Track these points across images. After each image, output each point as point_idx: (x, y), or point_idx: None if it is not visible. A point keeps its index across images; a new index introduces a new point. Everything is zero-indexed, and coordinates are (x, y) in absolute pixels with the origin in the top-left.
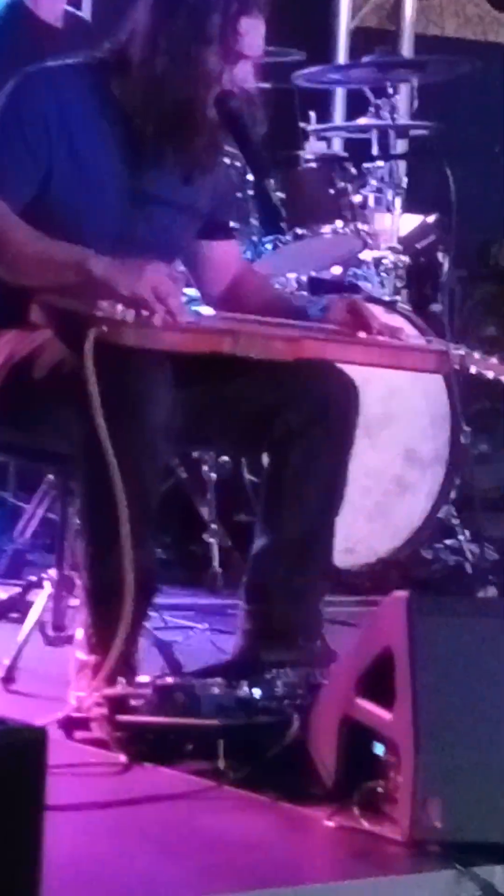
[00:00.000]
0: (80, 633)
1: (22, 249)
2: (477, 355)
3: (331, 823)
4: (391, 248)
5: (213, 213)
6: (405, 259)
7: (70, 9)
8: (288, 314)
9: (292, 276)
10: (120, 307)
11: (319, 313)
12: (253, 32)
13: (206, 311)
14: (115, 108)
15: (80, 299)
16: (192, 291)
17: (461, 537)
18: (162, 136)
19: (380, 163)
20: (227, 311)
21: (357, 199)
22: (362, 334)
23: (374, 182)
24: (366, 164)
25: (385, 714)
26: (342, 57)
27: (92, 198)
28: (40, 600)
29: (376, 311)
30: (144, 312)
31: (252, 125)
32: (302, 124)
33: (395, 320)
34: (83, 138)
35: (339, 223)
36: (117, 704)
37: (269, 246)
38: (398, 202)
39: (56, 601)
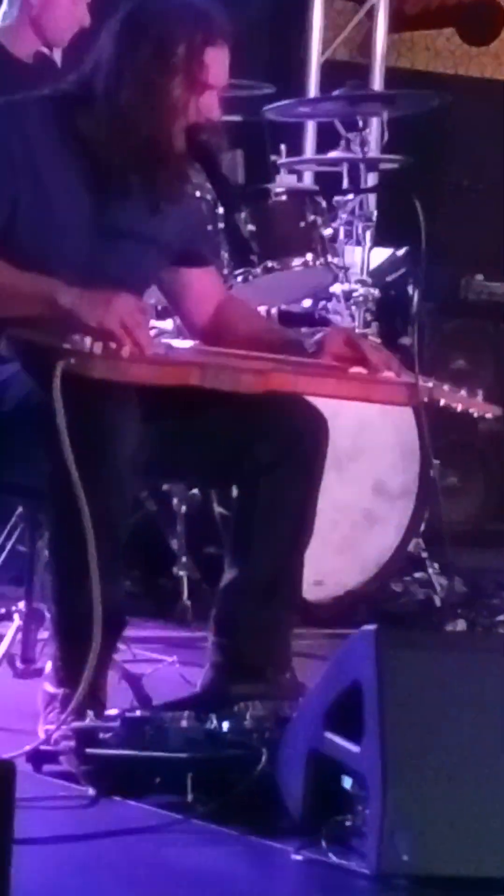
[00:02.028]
0: (48, 666)
1: None
2: (446, 388)
3: (299, 857)
4: (361, 282)
5: (185, 244)
6: (375, 292)
7: (44, 50)
8: (281, 347)
9: (262, 308)
10: (88, 340)
11: (314, 347)
12: (218, 62)
13: (179, 343)
14: (79, 141)
15: (48, 331)
16: (162, 324)
17: (430, 570)
18: (128, 167)
19: (350, 196)
20: (215, 342)
21: (327, 232)
22: (358, 369)
23: (344, 215)
24: (336, 198)
25: (353, 747)
26: (313, 90)
27: (58, 230)
28: (9, 633)
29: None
30: (112, 345)
31: (221, 157)
32: (273, 157)
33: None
34: (48, 171)
35: (309, 256)
36: (86, 737)
37: (239, 279)
38: (368, 235)
39: (25, 634)
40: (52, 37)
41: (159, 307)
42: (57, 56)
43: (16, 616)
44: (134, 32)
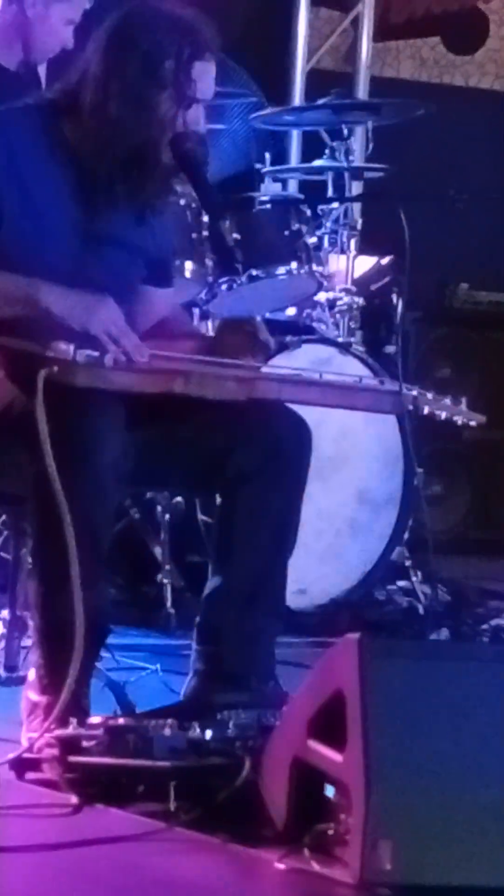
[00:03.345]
0: (32, 674)
1: None
2: (430, 396)
3: (281, 866)
4: (346, 290)
5: (157, 258)
6: (360, 301)
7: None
8: (186, 339)
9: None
10: (71, 348)
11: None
12: (205, 76)
13: (163, 351)
14: (66, 149)
15: (31, 339)
16: None
17: (414, 579)
18: (114, 178)
19: (335, 204)
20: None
21: (312, 240)
22: (338, 377)
23: (328, 224)
24: (321, 206)
25: (336, 756)
26: (298, 99)
27: (44, 238)
28: None
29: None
30: (95, 353)
31: (206, 167)
32: (257, 165)
33: (351, 362)
34: (33, 179)
35: (293, 264)
36: (69, 745)
37: (223, 287)
38: (353, 244)
39: (8, 641)
40: (36, 53)
41: None
42: (42, 71)
43: None
44: (122, 46)
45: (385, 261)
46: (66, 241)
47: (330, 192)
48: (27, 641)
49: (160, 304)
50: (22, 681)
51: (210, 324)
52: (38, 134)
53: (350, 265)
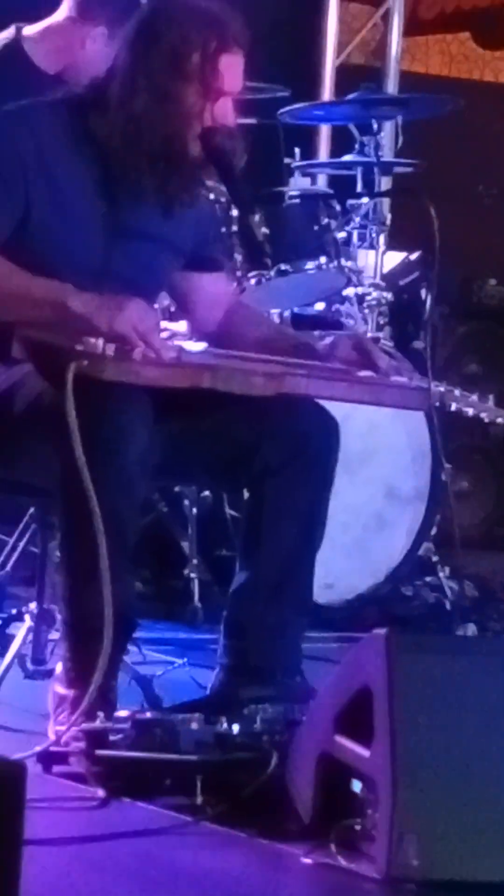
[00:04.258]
0: (59, 667)
1: (0, 284)
2: (457, 392)
3: (308, 860)
4: (374, 285)
5: (198, 248)
6: (388, 296)
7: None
8: (292, 351)
9: (275, 311)
10: (100, 342)
11: (325, 350)
12: (232, 69)
13: (191, 345)
14: (93, 144)
15: (60, 333)
16: (176, 326)
17: (441, 574)
18: (141, 172)
19: (364, 200)
20: (225, 346)
21: (341, 235)
22: (367, 373)
23: (357, 219)
24: (350, 201)
25: (363, 751)
26: (327, 94)
27: (71, 233)
28: (20, 633)
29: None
30: (124, 347)
31: (237, 161)
32: (287, 160)
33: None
34: (61, 174)
35: (322, 259)
36: (96, 739)
37: (252, 281)
38: (382, 239)
39: (36, 634)
40: (73, 77)
41: (172, 309)
42: None
43: (27, 617)
44: (148, 40)
45: (414, 256)
46: (93, 235)
47: (359, 188)
48: (55, 635)
49: (215, 289)
50: (49, 674)
51: None
52: (65, 129)
53: (379, 260)
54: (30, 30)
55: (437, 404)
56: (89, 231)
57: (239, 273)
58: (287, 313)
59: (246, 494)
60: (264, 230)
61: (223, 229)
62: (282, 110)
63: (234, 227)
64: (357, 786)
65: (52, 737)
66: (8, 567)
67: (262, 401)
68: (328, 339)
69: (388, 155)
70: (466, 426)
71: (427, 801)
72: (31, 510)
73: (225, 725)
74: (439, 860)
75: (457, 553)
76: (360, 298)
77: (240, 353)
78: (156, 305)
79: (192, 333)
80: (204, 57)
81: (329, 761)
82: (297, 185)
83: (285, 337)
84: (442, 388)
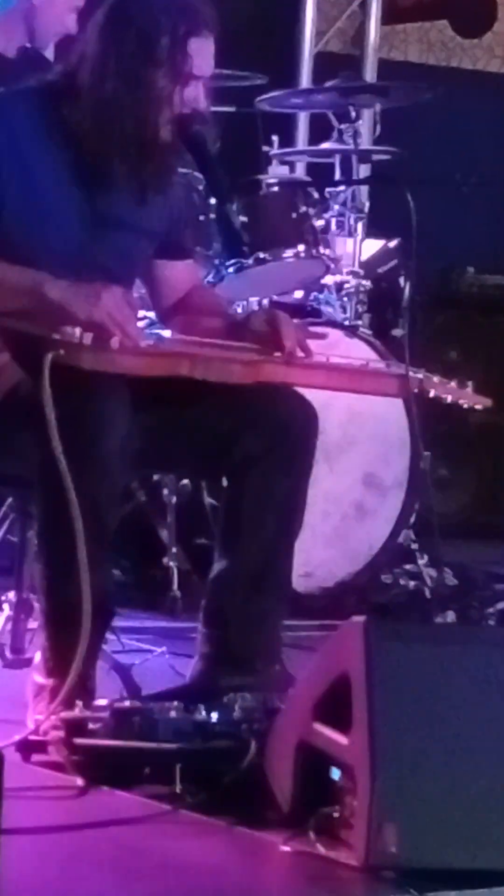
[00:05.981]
0: (38, 656)
1: None
2: (436, 379)
3: (287, 848)
4: (353, 273)
5: (166, 234)
6: (367, 284)
7: (27, 45)
8: (224, 333)
9: (254, 300)
10: (78, 330)
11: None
12: (202, 53)
13: (169, 333)
14: (66, 131)
15: (38, 322)
16: (152, 313)
17: (420, 562)
18: (114, 158)
19: (342, 187)
20: (183, 331)
21: (319, 223)
22: (345, 359)
23: (336, 207)
24: (328, 189)
25: (342, 739)
26: (305, 81)
27: (47, 221)
28: None
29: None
30: (102, 336)
31: (210, 147)
32: (265, 148)
33: (358, 345)
34: (35, 162)
35: (301, 247)
36: (75, 728)
37: (231, 270)
38: (360, 227)
39: (14, 624)
40: (39, 40)
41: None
42: (49, 55)
43: (5, 606)
44: (118, 24)
45: (392, 244)
46: (68, 224)
47: (337, 175)
48: (34, 624)
49: (181, 276)
50: (28, 663)
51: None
52: (37, 117)
53: (357, 248)
54: None
55: (416, 391)
56: (65, 220)
57: (217, 262)
58: (266, 302)
59: (225, 483)
60: (242, 218)
61: (201, 217)
62: (260, 98)
63: (212, 216)
64: (336, 773)
65: (30, 726)
66: None
67: (241, 390)
68: (243, 314)
69: (366, 143)
70: (446, 414)
71: (405, 789)
72: (10, 500)
73: (204, 714)
74: (418, 848)
75: (436, 541)
76: (339, 286)
77: (218, 340)
78: (135, 294)
79: (157, 320)
80: (173, 41)
81: (308, 749)
82: (275, 172)
83: (208, 300)
84: (420, 375)
